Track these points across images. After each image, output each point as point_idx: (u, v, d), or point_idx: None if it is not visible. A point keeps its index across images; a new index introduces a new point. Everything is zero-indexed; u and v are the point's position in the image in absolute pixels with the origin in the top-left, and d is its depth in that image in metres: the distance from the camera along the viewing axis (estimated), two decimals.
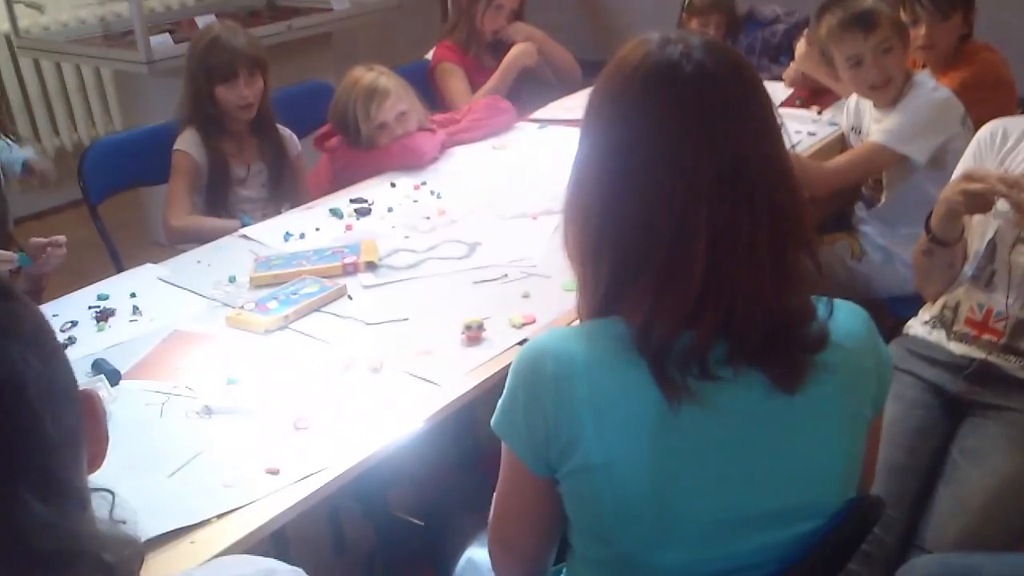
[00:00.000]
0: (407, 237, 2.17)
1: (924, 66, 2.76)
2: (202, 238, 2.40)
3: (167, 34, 3.66)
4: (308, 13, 4.16)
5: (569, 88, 3.36)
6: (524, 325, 1.72)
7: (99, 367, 1.63)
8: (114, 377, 1.61)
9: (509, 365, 1.45)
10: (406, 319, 1.78)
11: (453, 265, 2.01)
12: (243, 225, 2.37)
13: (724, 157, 1.00)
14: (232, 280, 1.99)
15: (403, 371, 1.60)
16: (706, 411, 1.00)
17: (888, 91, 2.41)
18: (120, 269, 2.47)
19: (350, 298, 1.89)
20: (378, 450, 1.39)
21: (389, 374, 1.60)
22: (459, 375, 1.57)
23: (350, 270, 1.99)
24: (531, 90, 3.36)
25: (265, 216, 2.57)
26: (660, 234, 1.01)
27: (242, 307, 1.83)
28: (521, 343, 1.66)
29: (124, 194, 2.95)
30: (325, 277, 1.94)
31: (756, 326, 1.01)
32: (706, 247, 0.99)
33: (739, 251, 1.00)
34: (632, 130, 1.04)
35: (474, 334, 1.67)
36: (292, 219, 2.35)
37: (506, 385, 1.09)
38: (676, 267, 1.01)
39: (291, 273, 1.96)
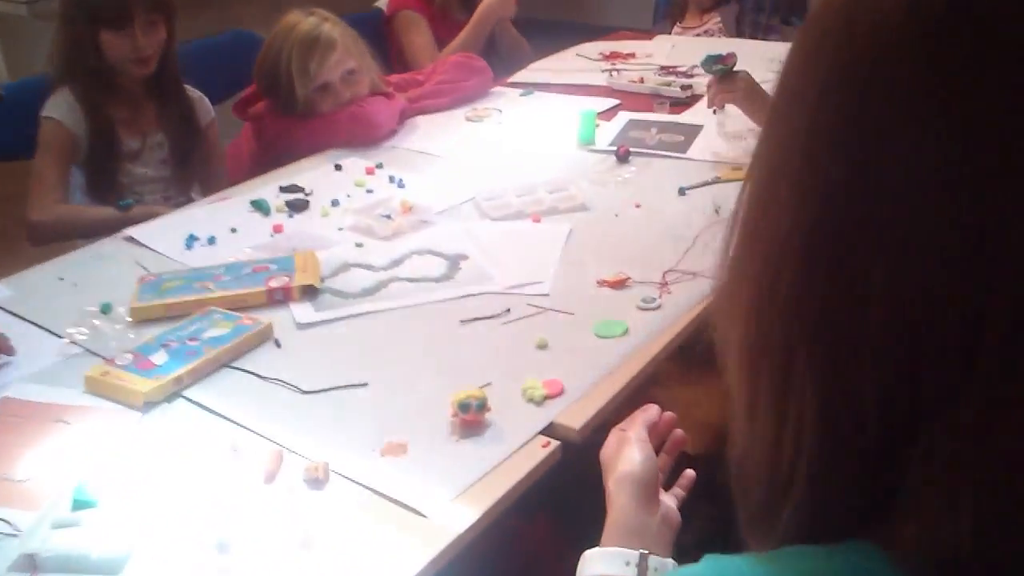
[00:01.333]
0: (360, 245, 1.56)
1: None
2: (78, 235, 1.81)
3: None
4: None
5: (513, 66, 2.69)
6: (548, 398, 1.13)
7: None
8: None
9: (530, 475, 0.92)
10: (364, 384, 1.17)
11: (429, 291, 1.41)
12: (120, 209, 1.76)
13: None
14: (105, 310, 1.37)
15: (361, 484, 1.00)
16: None
17: None
18: None
19: (278, 345, 1.27)
20: None
21: (338, 490, 0.99)
22: (451, 496, 0.98)
23: (279, 297, 1.38)
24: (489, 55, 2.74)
25: (167, 201, 1.96)
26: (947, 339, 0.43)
27: (112, 360, 1.20)
28: (546, 432, 1.08)
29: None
30: (241, 309, 1.33)
31: None
32: None
33: None
34: (876, 128, 0.44)
35: (472, 418, 1.07)
36: (198, 215, 1.72)
37: None
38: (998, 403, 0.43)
39: (191, 302, 1.35)
